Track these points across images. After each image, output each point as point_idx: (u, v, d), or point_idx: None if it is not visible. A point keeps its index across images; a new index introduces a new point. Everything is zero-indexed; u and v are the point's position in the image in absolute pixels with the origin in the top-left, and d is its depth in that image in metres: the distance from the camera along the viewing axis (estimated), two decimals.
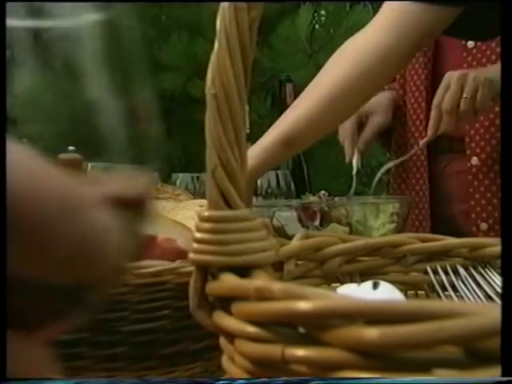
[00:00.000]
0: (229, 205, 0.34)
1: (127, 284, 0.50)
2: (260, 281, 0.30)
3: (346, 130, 1.27)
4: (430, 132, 1.18)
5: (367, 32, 1.03)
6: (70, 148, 1.19)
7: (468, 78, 1.11)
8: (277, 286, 0.28)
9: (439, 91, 1.14)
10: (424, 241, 0.53)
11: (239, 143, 0.34)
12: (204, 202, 0.75)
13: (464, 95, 1.11)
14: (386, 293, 0.46)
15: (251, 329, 0.30)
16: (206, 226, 0.34)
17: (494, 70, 1.13)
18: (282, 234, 1.18)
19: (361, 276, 0.53)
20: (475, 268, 0.53)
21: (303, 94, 1.04)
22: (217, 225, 0.34)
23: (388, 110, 1.31)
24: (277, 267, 0.48)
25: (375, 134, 1.26)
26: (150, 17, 3.95)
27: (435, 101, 1.15)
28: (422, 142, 1.24)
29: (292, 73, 3.20)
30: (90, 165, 1.21)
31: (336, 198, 1.27)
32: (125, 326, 0.51)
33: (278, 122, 1.04)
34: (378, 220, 1.18)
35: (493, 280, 0.51)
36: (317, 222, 1.14)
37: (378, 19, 1.02)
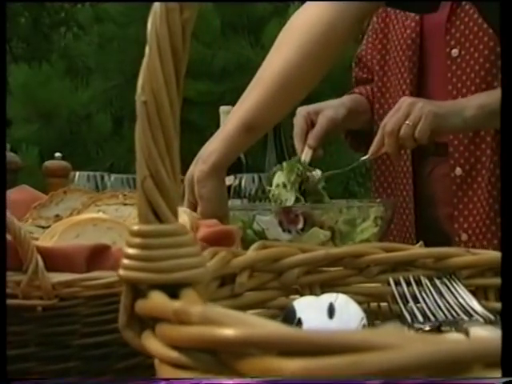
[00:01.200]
0: (159, 218, 0.32)
1: (77, 296, 0.48)
2: (180, 303, 0.28)
3: (295, 127, 1.25)
4: (371, 150, 1.17)
5: (310, 7, 1.04)
6: (57, 155, 1.16)
7: (416, 106, 1.12)
8: (195, 310, 0.26)
9: (390, 113, 1.16)
10: (388, 251, 0.51)
11: (170, 153, 0.32)
12: None
13: (407, 122, 1.11)
14: (342, 307, 0.44)
15: (173, 353, 0.28)
16: (136, 240, 0.32)
17: (446, 106, 1.13)
18: (262, 238, 1.16)
19: (321, 287, 0.51)
20: (440, 279, 0.50)
21: (257, 75, 1.04)
22: (145, 240, 0.32)
23: (339, 106, 1.28)
24: (230, 279, 0.46)
25: (325, 129, 1.22)
26: (142, 16, 3.92)
27: (383, 121, 1.16)
28: (361, 159, 1.22)
29: None
30: (77, 173, 1.18)
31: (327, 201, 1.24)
32: (75, 339, 0.49)
33: (236, 108, 1.04)
34: (361, 224, 1.16)
35: (457, 291, 0.49)
36: (299, 226, 1.12)
37: None
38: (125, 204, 0.71)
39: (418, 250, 0.51)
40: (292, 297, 0.50)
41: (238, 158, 1.70)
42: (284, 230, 1.13)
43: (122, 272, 0.33)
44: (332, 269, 0.51)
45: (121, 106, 3.91)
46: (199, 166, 1.03)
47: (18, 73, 3.85)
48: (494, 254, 0.50)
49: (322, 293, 0.51)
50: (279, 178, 1.18)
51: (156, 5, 0.32)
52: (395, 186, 1.35)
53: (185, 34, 0.32)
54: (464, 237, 1.23)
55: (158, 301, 0.30)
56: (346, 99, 1.34)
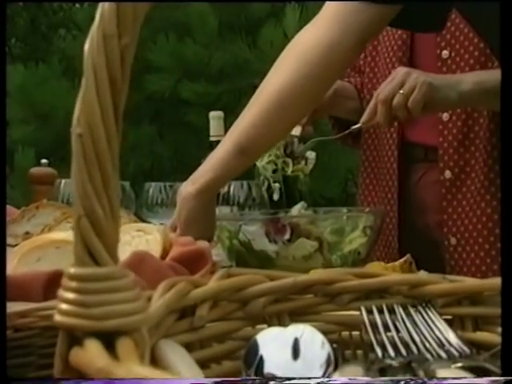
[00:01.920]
0: (95, 261, 0.30)
1: (32, 327, 0.46)
2: (104, 362, 0.25)
3: None
4: (363, 118, 1.15)
5: (311, 29, 1.02)
6: (43, 161, 1.14)
7: (411, 75, 1.09)
8: (118, 371, 0.24)
9: (384, 82, 1.13)
10: (361, 277, 0.49)
11: (108, 191, 0.30)
12: (142, 225, 0.71)
13: (401, 91, 1.08)
14: (307, 344, 0.42)
15: None
16: (71, 284, 0.30)
17: (442, 78, 1.10)
18: (248, 249, 1.13)
19: (291, 316, 0.48)
20: (415, 307, 0.48)
21: (254, 97, 1.02)
22: (81, 284, 0.30)
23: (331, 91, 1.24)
24: (190, 311, 0.43)
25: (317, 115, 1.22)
26: None
27: (377, 91, 1.14)
28: (352, 127, 1.19)
29: None
30: (63, 181, 1.15)
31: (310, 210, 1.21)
32: (31, 371, 0.47)
33: (232, 129, 1.02)
34: (350, 234, 1.14)
35: (432, 321, 0.47)
36: (286, 237, 1.10)
37: (321, 16, 1.01)
38: None
39: (391, 276, 0.49)
40: (259, 326, 0.47)
41: None
42: (270, 241, 1.10)
43: (57, 317, 0.31)
44: (302, 297, 0.48)
45: None
46: (188, 186, 1.01)
47: (15, 73, 3.83)
48: (472, 282, 0.48)
49: (292, 321, 0.49)
50: None
51: (93, 31, 0.30)
52: (381, 194, 1.32)
53: (124, 62, 0.30)
54: (453, 241, 1.20)
55: (90, 351, 0.28)
56: (339, 84, 1.31)
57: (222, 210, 1.43)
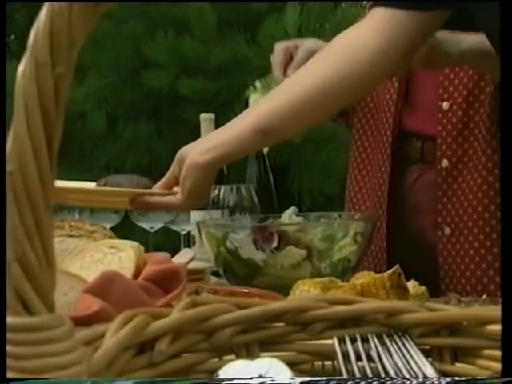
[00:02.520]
0: (28, 309, 0.28)
1: None
2: None
3: (275, 58, 1.18)
4: None
5: (355, 33, 1.00)
6: None
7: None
8: None
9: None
10: (335, 303, 0.47)
11: (41, 234, 0.27)
12: (115, 242, 0.69)
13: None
14: (274, 378, 0.40)
15: None
16: (8, 335, 0.28)
17: (445, 33, 1.07)
18: (235, 257, 1.11)
19: (261, 346, 0.46)
20: (391, 336, 0.46)
21: (285, 85, 1.00)
22: (13, 334, 0.27)
23: (320, 41, 1.17)
24: (151, 346, 0.41)
25: (305, 61, 1.12)
26: (138, 13, 3.88)
27: None
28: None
29: None
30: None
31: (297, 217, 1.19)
32: None
33: (251, 110, 1.00)
34: (340, 241, 1.11)
35: (408, 351, 0.44)
36: (274, 245, 1.07)
37: (368, 22, 0.99)
38: (70, 235, 0.66)
39: (367, 304, 0.46)
40: (227, 358, 0.45)
41: (221, 168, 1.66)
42: (258, 249, 1.08)
43: None
44: (273, 325, 0.46)
45: (116, 104, 3.85)
46: (196, 154, 0.98)
47: (10, 71, 3.80)
48: (452, 312, 0.45)
49: (262, 351, 0.46)
50: (254, 99, 1.13)
51: (25, 59, 0.28)
52: (371, 197, 1.29)
53: (58, 93, 0.28)
54: (447, 231, 1.17)
55: None
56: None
57: (212, 215, 1.41)
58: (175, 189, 1.02)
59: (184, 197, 0.99)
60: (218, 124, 1.63)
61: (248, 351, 0.45)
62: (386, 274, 0.91)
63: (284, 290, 0.96)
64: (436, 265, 1.20)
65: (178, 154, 1.02)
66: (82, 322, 0.48)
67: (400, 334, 0.46)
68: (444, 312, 0.45)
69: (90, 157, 3.82)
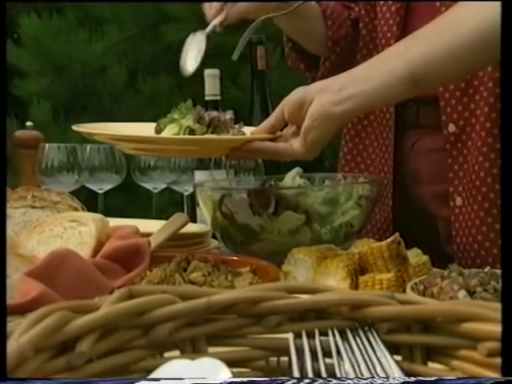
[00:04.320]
0: None
1: None
2: None
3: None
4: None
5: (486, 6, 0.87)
6: (28, 124, 1.06)
7: None
8: None
9: None
10: (295, 292, 0.41)
11: None
12: (77, 215, 0.64)
13: None
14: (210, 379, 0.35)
15: None
16: None
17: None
18: (231, 222, 1.06)
19: (209, 340, 0.41)
20: (355, 331, 0.40)
21: (430, 30, 0.90)
22: None
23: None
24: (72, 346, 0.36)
25: (244, 12, 1.09)
26: None
27: None
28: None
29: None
30: (47, 145, 1.08)
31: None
32: None
33: (394, 53, 0.90)
34: (343, 205, 1.05)
35: (372, 348, 0.39)
36: (271, 210, 1.02)
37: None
38: (33, 207, 0.61)
39: (329, 295, 0.41)
40: (168, 354, 0.40)
41: None
42: (254, 214, 1.03)
43: None
44: (224, 317, 0.41)
45: (135, 58, 3.79)
46: (328, 103, 0.89)
47: (29, 24, 3.75)
48: (425, 306, 0.39)
49: (211, 346, 0.41)
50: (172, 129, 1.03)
51: None
52: (370, 162, 1.21)
53: None
54: (459, 201, 1.08)
55: None
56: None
57: (216, 175, 1.36)
58: (279, 133, 0.96)
59: (305, 148, 0.92)
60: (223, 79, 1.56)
61: (194, 347, 0.40)
62: (384, 243, 0.85)
63: (282, 256, 0.91)
64: (438, 235, 1.13)
65: (295, 96, 0.92)
66: (19, 310, 0.44)
67: (366, 328, 0.40)
68: (416, 306, 0.39)
69: (109, 112, 3.78)
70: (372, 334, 0.40)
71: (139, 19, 3.74)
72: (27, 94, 3.59)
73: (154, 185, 1.45)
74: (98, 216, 0.63)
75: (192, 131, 0.96)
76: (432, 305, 0.39)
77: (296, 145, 0.93)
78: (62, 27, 3.78)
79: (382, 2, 1.17)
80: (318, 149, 0.94)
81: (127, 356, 0.38)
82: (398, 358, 0.40)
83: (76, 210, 0.67)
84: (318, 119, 0.90)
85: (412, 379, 0.36)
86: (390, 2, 1.15)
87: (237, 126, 1.00)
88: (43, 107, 3.60)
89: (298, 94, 0.92)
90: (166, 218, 1.02)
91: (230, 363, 0.41)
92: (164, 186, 1.45)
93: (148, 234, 0.96)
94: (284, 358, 0.41)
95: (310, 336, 0.40)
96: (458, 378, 0.36)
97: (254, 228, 1.01)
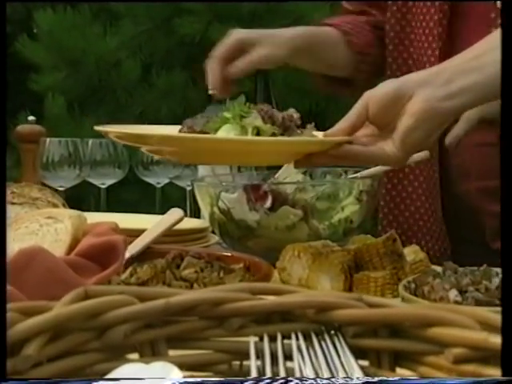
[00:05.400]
0: None
1: None
2: None
3: (221, 46, 0.98)
4: None
5: None
6: (30, 118, 1.04)
7: None
8: None
9: None
10: (260, 294, 0.39)
11: None
12: (54, 212, 0.62)
13: None
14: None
15: None
16: None
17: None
18: (228, 217, 1.04)
19: (170, 343, 0.39)
20: (321, 335, 0.39)
21: None
22: None
23: (287, 43, 1.00)
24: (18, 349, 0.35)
25: (252, 67, 0.96)
26: None
27: None
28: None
29: (311, 15, 3.01)
30: (48, 140, 1.07)
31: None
32: None
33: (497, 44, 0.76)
34: (343, 200, 1.03)
35: (337, 352, 0.37)
36: (268, 204, 1.00)
37: None
38: (12, 203, 0.60)
39: (294, 296, 0.39)
40: (129, 356, 0.39)
41: None
42: (251, 209, 1.01)
43: None
44: (184, 319, 0.39)
45: (150, 52, 3.79)
46: (435, 98, 0.75)
47: (44, 19, 3.76)
48: (392, 310, 0.37)
49: (171, 348, 0.40)
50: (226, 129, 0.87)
51: None
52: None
53: None
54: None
55: None
56: (300, 32, 1.05)
57: (218, 170, 1.34)
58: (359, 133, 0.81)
59: (403, 152, 0.77)
60: None
61: (153, 350, 0.39)
62: (380, 240, 0.84)
63: (280, 252, 0.90)
64: (483, 230, 1.07)
65: (386, 90, 0.78)
66: None
67: (332, 332, 0.39)
68: (383, 309, 0.37)
69: (124, 106, 3.78)
70: (338, 338, 0.38)
71: (153, 13, 3.74)
72: (42, 89, 3.60)
73: (157, 179, 1.44)
74: (75, 213, 0.62)
75: (258, 133, 0.81)
76: (399, 308, 0.37)
77: (389, 148, 0.78)
78: (77, 21, 3.78)
79: (418, 10, 1.09)
80: (415, 152, 0.83)
81: (80, 359, 0.37)
82: (365, 363, 0.38)
83: (55, 206, 0.66)
84: (421, 118, 0.76)
85: (375, 379, 0.35)
86: (430, 10, 1.07)
87: (309, 126, 0.86)
88: (57, 101, 3.61)
89: (389, 87, 0.79)
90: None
91: (192, 367, 0.40)
92: (167, 180, 1.44)
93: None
94: (247, 362, 0.39)
95: (274, 339, 0.39)
96: (421, 378, 0.34)
97: (250, 224, 0.99)
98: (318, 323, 0.39)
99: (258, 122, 0.81)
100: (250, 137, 0.80)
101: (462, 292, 0.64)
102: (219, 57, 0.97)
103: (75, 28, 3.77)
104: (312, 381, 0.35)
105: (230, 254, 0.91)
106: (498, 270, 0.71)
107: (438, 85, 0.76)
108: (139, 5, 3.83)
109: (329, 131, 0.82)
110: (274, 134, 0.81)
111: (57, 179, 1.29)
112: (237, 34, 0.99)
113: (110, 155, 1.36)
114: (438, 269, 0.76)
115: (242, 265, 0.86)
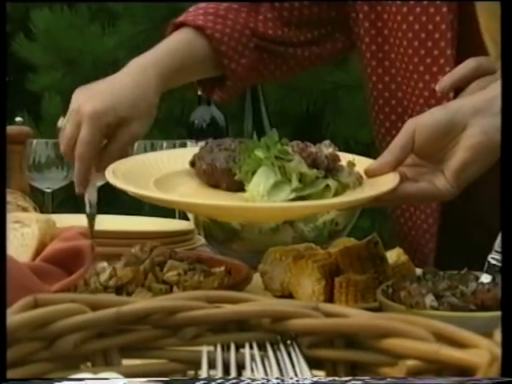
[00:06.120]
0: None
1: None
2: None
3: (84, 146, 0.80)
4: None
5: None
6: (18, 119, 1.03)
7: None
8: None
9: None
10: (217, 302, 0.39)
11: None
12: (21, 216, 0.61)
13: None
14: None
15: None
16: None
17: None
18: (212, 221, 1.03)
19: (123, 352, 0.39)
20: (276, 344, 0.38)
21: None
22: None
23: (152, 114, 0.92)
24: None
25: (124, 150, 0.85)
26: None
27: None
28: None
29: None
30: (34, 141, 1.06)
31: None
32: None
33: None
34: None
35: (291, 362, 0.36)
36: None
37: None
38: None
39: (250, 306, 0.38)
40: (84, 366, 0.38)
41: (217, 122, 1.57)
42: None
43: None
44: (138, 328, 0.38)
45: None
46: (491, 124, 0.70)
47: (40, 18, 3.75)
48: (347, 321, 0.37)
49: (125, 357, 0.39)
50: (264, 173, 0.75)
51: None
52: None
53: None
54: None
55: None
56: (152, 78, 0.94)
57: None
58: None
59: (457, 188, 0.72)
60: None
61: (106, 360, 0.38)
62: (361, 243, 0.83)
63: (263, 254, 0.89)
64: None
65: (435, 119, 0.72)
66: None
67: (288, 342, 0.38)
68: (338, 319, 0.36)
69: None
70: (293, 348, 0.37)
71: (151, 13, 3.73)
72: (39, 88, 3.60)
73: None
74: (44, 217, 0.61)
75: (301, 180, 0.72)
76: (354, 319, 0.36)
77: (442, 183, 0.72)
78: (74, 21, 3.77)
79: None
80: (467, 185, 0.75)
81: (29, 369, 0.36)
82: (321, 373, 0.37)
83: (25, 210, 0.65)
84: (479, 152, 0.70)
85: (324, 379, 0.34)
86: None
87: (350, 158, 0.77)
88: (54, 101, 3.60)
89: (440, 116, 0.73)
90: None
91: (146, 376, 0.39)
92: None
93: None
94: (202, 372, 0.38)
95: (228, 349, 0.38)
96: (371, 378, 0.33)
97: (234, 226, 0.99)
98: (274, 333, 0.38)
99: (303, 168, 0.72)
100: (300, 203, 0.72)
101: (438, 297, 0.63)
102: (87, 152, 0.81)
103: (72, 27, 3.76)
104: (264, 380, 0.34)
105: (211, 257, 0.90)
106: (478, 273, 0.70)
107: (493, 113, 0.70)
108: (137, 5, 3.82)
109: (372, 167, 0.76)
110: (317, 178, 0.73)
111: (44, 181, 1.28)
112: (97, 118, 0.84)
113: None
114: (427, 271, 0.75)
115: (223, 268, 0.86)
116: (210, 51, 1.00)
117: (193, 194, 0.80)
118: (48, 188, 1.29)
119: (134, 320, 0.38)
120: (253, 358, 0.37)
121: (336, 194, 0.72)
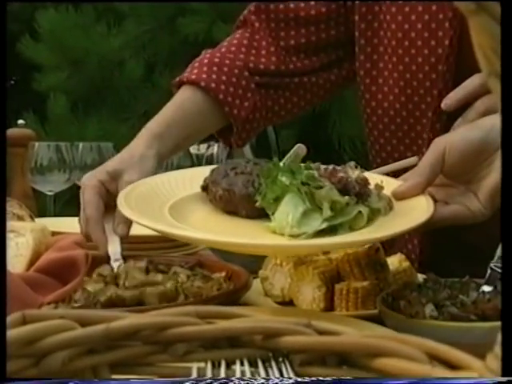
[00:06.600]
0: None
1: None
2: None
3: (88, 205, 0.77)
4: None
5: None
6: (20, 122, 1.03)
7: None
8: None
9: None
10: (208, 318, 0.38)
11: None
12: (16, 225, 0.60)
13: None
14: None
15: None
16: None
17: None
18: None
19: (113, 368, 0.38)
20: (267, 362, 0.37)
21: None
22: None
23: (145, 159, 0.90)
24: None
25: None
26: None
27: None
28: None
29: None
30: (37, 144, 1.06)
31: None
32: None
33: None
34: None
35: (282, 380, 0.36)
36: None
37: None
38: None
39: (243, 321, 0.37)
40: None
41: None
42: None
43: None
44: (128, 344, 0.38)
45: (154, 51, 3.78)
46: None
47: (46, 18, 3.75)
48: (340, 339, 0.36)
49: (115, 373, 0.39)
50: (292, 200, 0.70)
51: None
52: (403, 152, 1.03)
53: None
54: None
55: None
56: (153, 137, 0.95)
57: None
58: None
59: (491, 210, 0.70)
60: None
61: (96, 375, 0.38)
62: (362, 250, 0.82)
63: (264, 259, 0.89)
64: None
65: (466, 140, 0.69)
66: None
67: (280, 359, 0.37)
68: (330, 338, 0.36)
69: (127, 106, 3.77)
70: (285, 366, 0.37)
71: (157, 13, 3.73)
72: (45, 89, 3.60)
73: None
74: (39, 226, 0.60)
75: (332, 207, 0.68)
76: (346, 337, 0.35)
77: (474, 205, 0.70)
78: (79, 21, 3.77)
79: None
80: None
81: None
82: None
83: (21, 218, 0.64)
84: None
85: (307, 379, 0.33)
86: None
87: (377, 180, 0.74)
88: (60, 101, 3.60)
89: (473, 136, 0.71)
90: None
91: None
92: None
93: None
94: None
95: (219, 365, 0.38)
96: (356, 378, 0.33)
97: None
98: (266, 349, 0.37)
99: (335, 196, 0.68)
100: (346, 238, 0.69)
101: (438, 306, 0.62)
102: (95, 218, 0.76)
103: (78, 28, 3.76)
104: (248, 381, 0.34)
105: (214, 262, 0.90)
106: (480, 281, 0.69)
107: None
108: (143, 4, 3.82)
109: (401, 189, 0.73)
110: (347, 205, 0.69)
111: (46, 183, 1.28)
112: (92, 178, 0.84)
113: (100, 159, 1.35)
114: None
115: (224, 273, 0.85)
116: (211, 103, 1.00)
117: (212, 224, 0.75)
118: (50, 191, 1.29)
119: (123, 336, 0.37)
120: (243, 375, 0.36)
121: (368, 221, 0.69)
